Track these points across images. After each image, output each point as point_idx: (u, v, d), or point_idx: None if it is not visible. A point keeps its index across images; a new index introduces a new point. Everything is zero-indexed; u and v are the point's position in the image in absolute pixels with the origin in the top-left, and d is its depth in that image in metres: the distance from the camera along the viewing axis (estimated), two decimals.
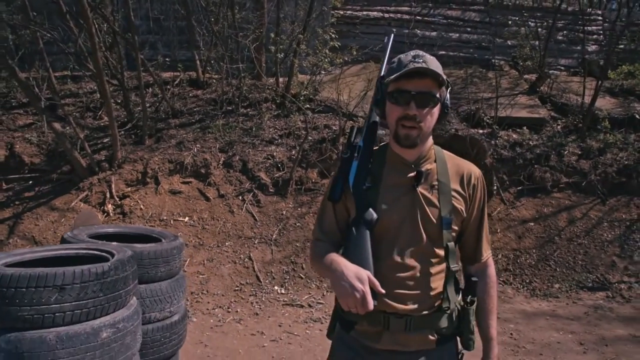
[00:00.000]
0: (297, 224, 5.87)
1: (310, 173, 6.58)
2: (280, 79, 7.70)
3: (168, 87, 7.75)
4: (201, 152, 6.66)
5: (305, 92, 7.42)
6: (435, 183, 1.36)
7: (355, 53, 7.23)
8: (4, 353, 1.52)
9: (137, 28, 7.97)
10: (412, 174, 1.34)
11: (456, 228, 1.37)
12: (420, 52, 1.31)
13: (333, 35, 7.10)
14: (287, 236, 5.72)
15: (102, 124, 6.92)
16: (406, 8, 9.75)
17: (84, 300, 1.61)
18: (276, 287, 5.04)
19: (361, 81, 7.35)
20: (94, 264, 1.73)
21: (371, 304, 1.17)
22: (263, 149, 6.78)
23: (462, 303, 1.39)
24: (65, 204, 5.81)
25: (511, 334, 4.04)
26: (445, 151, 1.46)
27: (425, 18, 9.79)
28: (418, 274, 1.32)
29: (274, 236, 5.66)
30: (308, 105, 7.40)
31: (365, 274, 1.19)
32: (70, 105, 7.32)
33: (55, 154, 6.36)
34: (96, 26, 6.28)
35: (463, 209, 1.38)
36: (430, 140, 1.40)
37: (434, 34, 9.73)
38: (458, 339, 1.43)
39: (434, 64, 1.29)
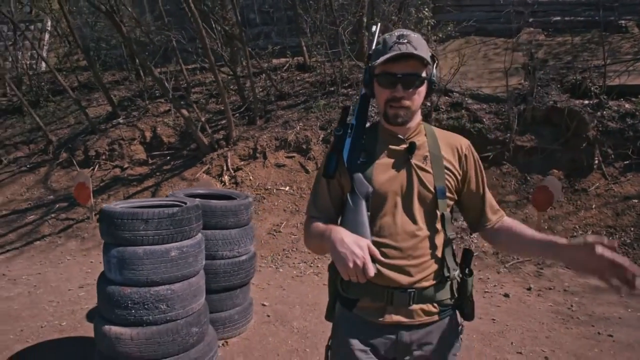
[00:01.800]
0: None
1: None
2: None
3: (278, 72, 8.70)
4: (303, 130, 7.45)
5: None
6: (427, 154, 1.40)
7: (450, 29, 7.34)
8: (116, 259, 2.43)
9: (250, 22, 9.04)
10: (404, 146, 1.39)
11: (451, 196, 1.41)
12: (405, 32, 1.33)
13: (427, 14, 7.28)
14: None
15: (222, 108, 8.12)
16: None
17: (160, 230, 2.43)
18: None
19: (462, 56, 7.36)
20: (172, 208, 2.55)
21: (372, 270, 1.18)
22: None
23: (460, 275, 1.42)
24: (192, 175, 7.09)
25: (571, 305, 4.07)
26: (433, 127, 1.51)
27: None
28: (418, 244, 1.35)
29: None
30: None
31: (365, 242, 1.22)
32: (197, 92, 8.71)
33: (185, 135, 7.71)
34: (212, 25, 7.40)
35: (457, 177, 1.42)
36: (419, 115, 1.44)
37: None
38: (457, 311, 1.47)
39: (419, 43, 1.31)
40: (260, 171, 7.09)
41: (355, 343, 1.39)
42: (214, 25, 7.59)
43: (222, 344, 3.27)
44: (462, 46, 8.44)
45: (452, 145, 1.43)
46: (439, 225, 1.38)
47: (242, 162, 7.26)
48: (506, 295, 4.29)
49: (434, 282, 1.37)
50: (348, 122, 1.42)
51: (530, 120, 6.75)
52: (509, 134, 6.42)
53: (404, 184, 1.37)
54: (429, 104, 7.20)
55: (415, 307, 1.35)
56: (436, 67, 1.39)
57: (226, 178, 7.02)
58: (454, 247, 1.46)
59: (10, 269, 5.37)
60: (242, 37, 7.15)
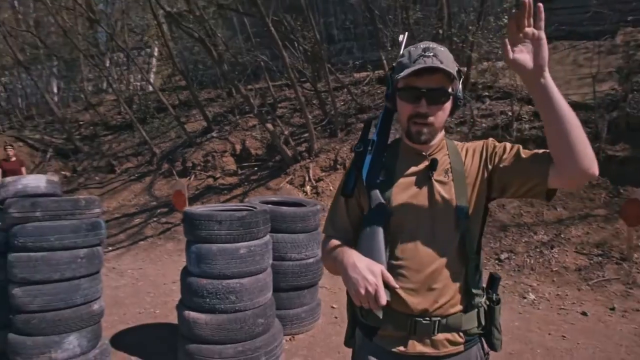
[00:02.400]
0: None
1: None
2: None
3: (359, 85, 8.97)
4: None
5: (482, 80, 7.65)
6: (449, 168, 1.31)
7: None
8: (194, 254, 2.82)
9: (332, 38, 9.43)
10: (426, 163, 1.31)
11: (472, 217, 1.31)
12: (431, 44, 1.26)
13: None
14: None
15: (304, 122, 8.57)
16: None
17: (231, 230, 2.78)
18: None
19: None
20: (242, 212, 2.89)
21: (384, 298, 1.11)
22: None
23: (487, 302, 1.34)
24: (276, 184, 7.57)
25: None
26: (456, 142, 1.41)
27: None
28: (440, 268, 1.27)
29: None
30: (486, 93, 7.62)
31: (379, 267, 1.15)
32: (283, 107, 9.26)
33: (271, 147, 8.25)
34: (296, 45, 7.88)
35: (483, 187, 1.31)
36: (442, 132, 1.35)
37: None
38: (484, 339, 1.37)
39: (446, 57, 1.23)
40: (340, 182, 7.36)
41: None
42: (296, 45, 8.08)
43: (289, 339, 3.56)
44: (549, 51, 8.08)
45: (473, 149, 1.35)
46: (461, 248, 1.28)
47: (323, 173, 7.59)
48: (584, 314, 4.09)
49: (459, 309, 1.28)
50: (369, 138, 1.36)
51: (624, 128, 6.31)
52: (598, 144, 6.05)
53: (425, 205, 1.28)
54: (510, 113, 7.02)
55: (439, 336, 1.27)
56: (462, 83, 1.30)
57: (308, 188, 7.39)
58: (482, 272, 1.34)
59: (119, 263, 6.19)
60: (321, 55, 7.53)
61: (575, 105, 6.86)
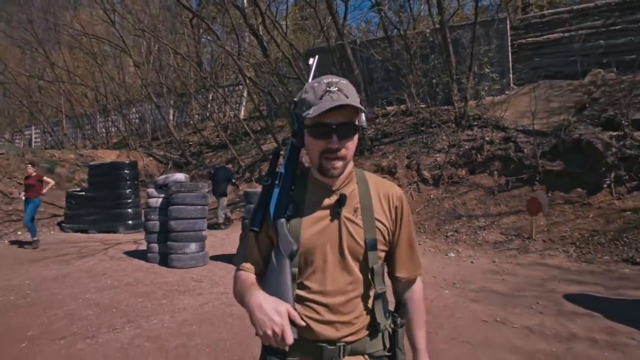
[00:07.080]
0: (437, 204, 9.07)
1: (459, 171, 9.54)
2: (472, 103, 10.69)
3: (389, 116, 11.98)
4: (394, 159, 10.58)
5: (472, 113, 10.34)
6: (358, 205, 1.34)
7: (523, 76, 9.74)
8: (246, 211, 6.15)
9: (373, 80, 12.55)
10: (335, 198, 1.32)
11: (383, 248, 1.37)
12: (334, 79, 1.27)
13: (488, 70, 9.81)
14: (427, 209, 9.02)
15: None
16: (589, 23, 10.82)
17: None
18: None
19: (527, 99, 9.61)
20: None
21: (290, 338, 1.14)
22: (433, 156, 10.15)
23: (392, 325, 1.39)
24: None
25: None
26: (366, 172, 1.44)
27: (611, 27, 10.60)
28: (348, 300, 1.32)
29: (417, 210, 9.11)
30: (475, 123, 10.30)
31: (284, 307, 1.16)
32: None
33: None
34: None
35: (388, 229, 1.37)
36: (351, 163, 1.36)
37: (621, 40, 10.49)
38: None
39: (350, 91, 1.26)
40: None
41: None
42: None
43: None
44: (530, 91, 10.53)
45: (385, 194, 1.39)
46: (369, 279, 1.34)
47: None
48: (472, 262, 6.76)
49: (365, 334, 1.35)
50: (277, 171, 1.37)
51: (562, 150, 8.69)
52: (541, 160, 8.52)
53: (333, 238, 1.31)
54: (487, 137, 9.60)
55: None
56: (363, 113, 1.32)
57: None
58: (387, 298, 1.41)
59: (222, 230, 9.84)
60: (367, 94, 10.72)
61: (534, 132, 9.34)
